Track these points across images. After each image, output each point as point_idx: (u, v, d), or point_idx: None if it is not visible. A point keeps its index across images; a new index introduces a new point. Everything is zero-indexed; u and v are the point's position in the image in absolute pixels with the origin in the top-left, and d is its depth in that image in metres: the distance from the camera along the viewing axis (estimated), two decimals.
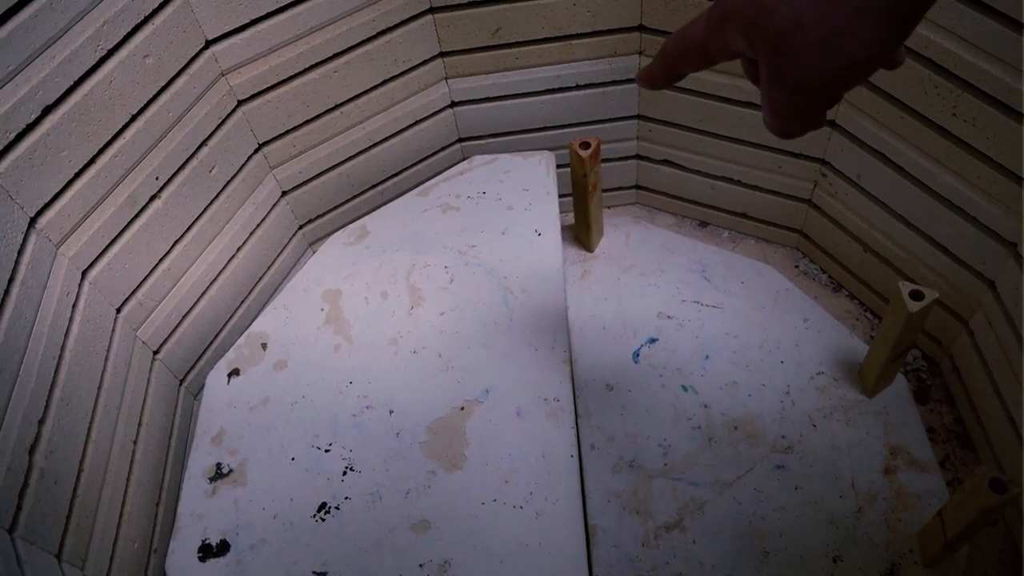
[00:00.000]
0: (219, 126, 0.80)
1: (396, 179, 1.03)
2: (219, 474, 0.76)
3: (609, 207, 1.17)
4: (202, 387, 0.83)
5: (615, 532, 0.84)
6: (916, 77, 0.77)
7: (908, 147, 0.83)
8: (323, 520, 0.72)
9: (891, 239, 0.92)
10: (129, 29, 0.69)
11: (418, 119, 0.98)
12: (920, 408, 0.93)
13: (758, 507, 0.84)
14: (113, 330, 0.74)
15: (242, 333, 0.87)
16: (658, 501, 0.86)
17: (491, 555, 0.69)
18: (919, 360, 0.97)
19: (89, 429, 0.68)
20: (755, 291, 1.03)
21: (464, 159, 1.02)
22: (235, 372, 0.83)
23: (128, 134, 0.71)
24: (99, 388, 0.70)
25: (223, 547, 0.71)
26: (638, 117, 1.03)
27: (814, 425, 0.90)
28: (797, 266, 1.08)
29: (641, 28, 0.92)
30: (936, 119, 0.78)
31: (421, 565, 0.69)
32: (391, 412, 0.79)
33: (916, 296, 0.77)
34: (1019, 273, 0.77)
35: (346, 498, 0.74)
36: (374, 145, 0.97)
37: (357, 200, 1.02)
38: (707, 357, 0.97)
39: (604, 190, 1.13)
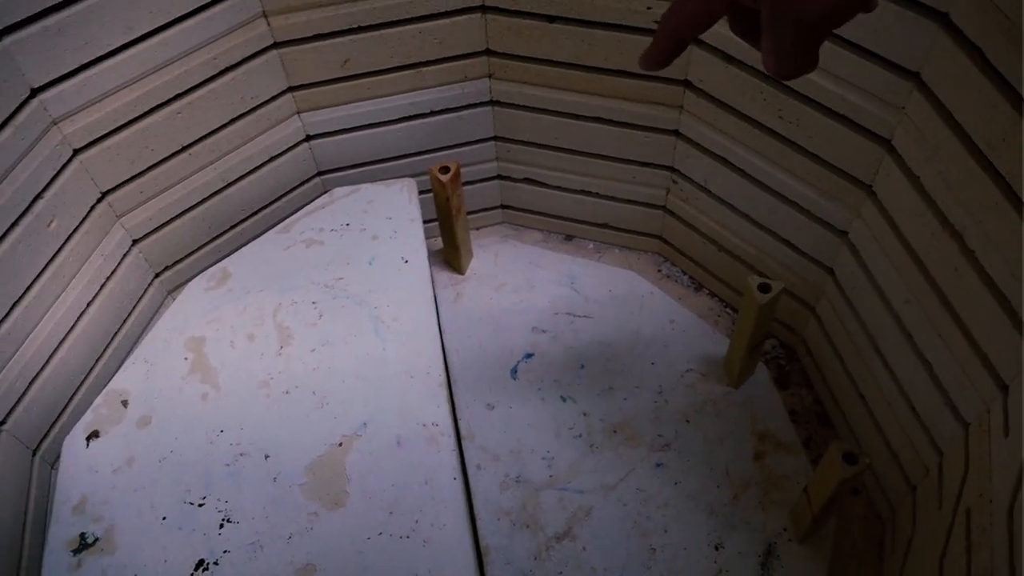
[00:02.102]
0: (55, 177, 0.76)
1: (256, 218, 1.00)
2: (84, 544, 0.71)
3: (477, 228, 1.18)
4: (59, 455, 0.78)
5: (507, 549, 0.84)
6: (745, 85, 0.82)
7: (745, 150, 0.88)
8: None
9: (740, 237, 0.97)
10: None
11: (273, 155, 0.96)
12: (782, 393, 0.98)
13: (642, 506, 0.87)
14: None
15: (100, 392, 0.82)
16: (547, 513, 0.87)
17: None
18: (777, 348, 1.03)
19: None
20: (622, 298, 1.06)
21: (326, 192, 1.01)
22: (94, 434, 0.79)
23: None
24: None
25: None
26: (495, 139, 1.05)
27: (687, 421, 0.93)
28: (660, 270, 1.12)
29: (488, 52, 0.94)
30: (766, 122, 0.83)
31: None
32: (267, 457, 0.76)
33: (764, 288, 0.82)
34: (852, 259, 0.83)
35: (225, 551, 0.71)
36: (228, 185, 0.94)
37: (217, 242, 0.99)
38: (582, 366, 0.99)
39: (470, 212, 1.15)
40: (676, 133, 0.95)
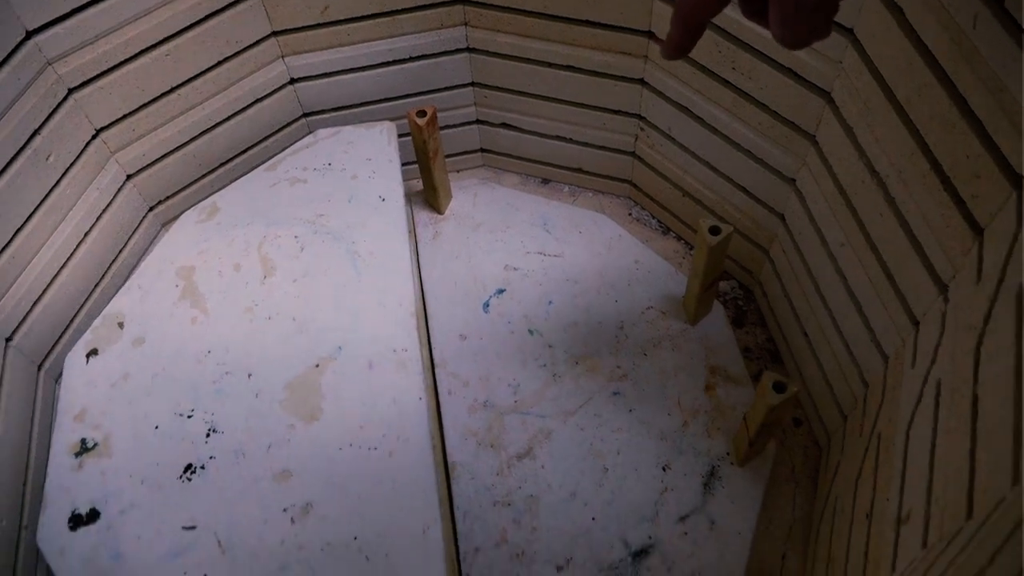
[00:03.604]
0: (51, 115, 0.82)
1: (244, 156, 1.06)
2: (84, 448, 0.79)
3: (458, 171, 1.23)
4: (62, 370, 0.86)
5: (472, 466, 0.92)
6: (703, 38, 0.86)
7: (704, 100, 0.93)
8: (190, 480, 0.77)
9: (701, 183, 1.03)
10: None
11: (259, 97, 1.01)
12: (737, 331, 1.05)
13: (598, 430, 0.94)
14: None
15: (98, 315, 0.89)
16: (510, 434, 0.94)
17: (349, 494, 0.75)
18: (736, 289, 1.09)
19: None
20: (592, 239, 1.12)
21: (310, 133, 1.06)
22: (94, 352, 0.86)
23: None
24: None
25: (93, 515, 0.75)
26: (473, 84, 1.09)
27: (645, 354, 1.00)
28: (630, 213, 1.18)
29: (463, 0, 0.98)
30: (721, 73, 0.88)
31: (284, 509, 0.75)
32: (249, 375, 0.84)
33: (714, 231, 0.88)
34: (799, 205, 0.88)
35: (211, 457, 0.78)
36: (217, 125, 1.00)
37: (207, 178, 1.05)
38: (550, 302, 1.05)
39: (453, 155, 1.20)
40: (642, 82, 0.99)
